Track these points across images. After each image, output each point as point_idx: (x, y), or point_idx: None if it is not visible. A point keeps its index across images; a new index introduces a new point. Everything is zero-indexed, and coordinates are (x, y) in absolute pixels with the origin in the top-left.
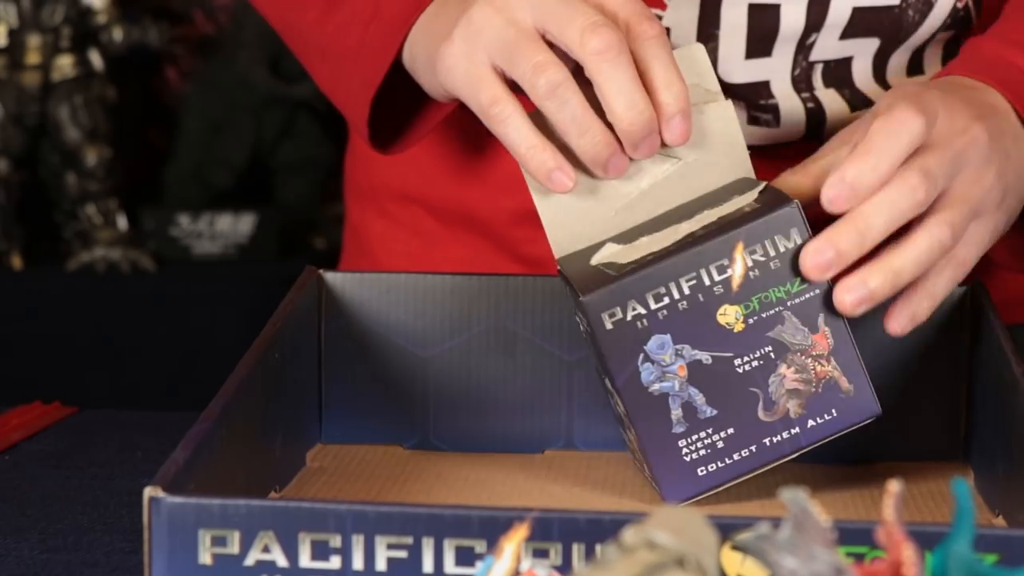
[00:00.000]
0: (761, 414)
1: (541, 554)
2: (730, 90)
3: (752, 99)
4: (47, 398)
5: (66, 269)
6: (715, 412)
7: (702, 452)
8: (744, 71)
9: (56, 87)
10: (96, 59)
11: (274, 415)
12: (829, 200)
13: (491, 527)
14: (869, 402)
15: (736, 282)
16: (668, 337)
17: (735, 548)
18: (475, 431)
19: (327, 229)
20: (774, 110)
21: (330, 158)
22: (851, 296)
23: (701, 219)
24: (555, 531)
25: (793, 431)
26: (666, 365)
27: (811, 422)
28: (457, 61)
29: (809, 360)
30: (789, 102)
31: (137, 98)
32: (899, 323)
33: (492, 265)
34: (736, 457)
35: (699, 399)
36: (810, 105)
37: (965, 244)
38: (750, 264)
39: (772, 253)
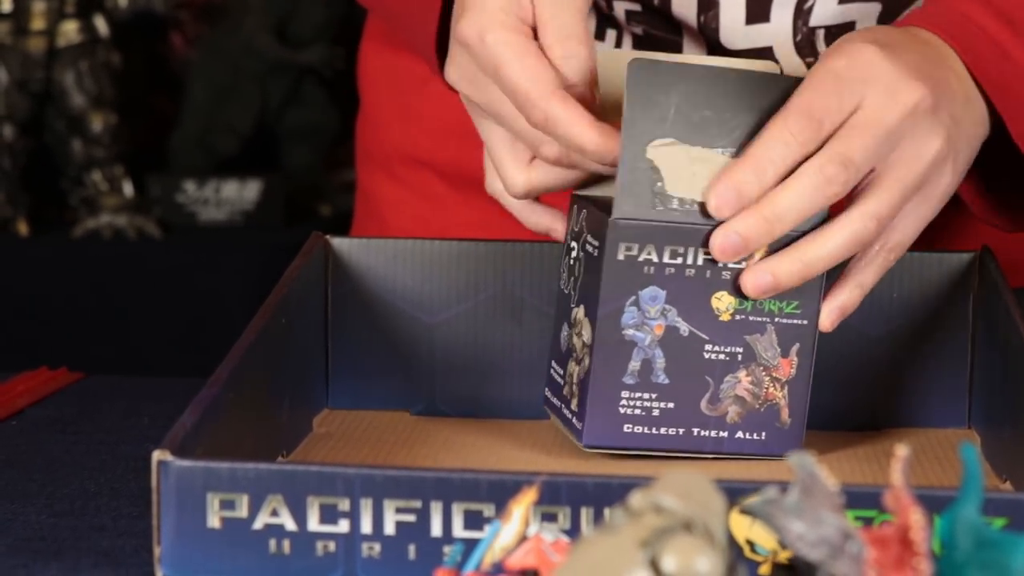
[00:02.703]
0: (704, 404)
1: (549, 518)
2: (735, 57)
3: None
4: (53, 364)
5: (72, 236)
6: (667, 381)
7: (637, 412)
8: (746, 37)
9: (61, 53)
10: (101, 25)
11: (281, 381)
12: (715, 208)
13: (500, 491)
14: (796, 442)
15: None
16: (664, 293)
17: (743, 512)
18: (482, 397)
19: (333, 196)
20: None
21: (336, 124)
22: (753, 281)
23: None
24: (563, 495)
25: (722, 434)
26: (649, 317)
27: (740, 434)
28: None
29: (767, 379)
30: (794, 67)
31: (142, 64)
32: (828, 319)
33: (500, 228)
34: (663, 432)
35: (659, 363)
36: None
37: (901, 229)
38: None
39: None
